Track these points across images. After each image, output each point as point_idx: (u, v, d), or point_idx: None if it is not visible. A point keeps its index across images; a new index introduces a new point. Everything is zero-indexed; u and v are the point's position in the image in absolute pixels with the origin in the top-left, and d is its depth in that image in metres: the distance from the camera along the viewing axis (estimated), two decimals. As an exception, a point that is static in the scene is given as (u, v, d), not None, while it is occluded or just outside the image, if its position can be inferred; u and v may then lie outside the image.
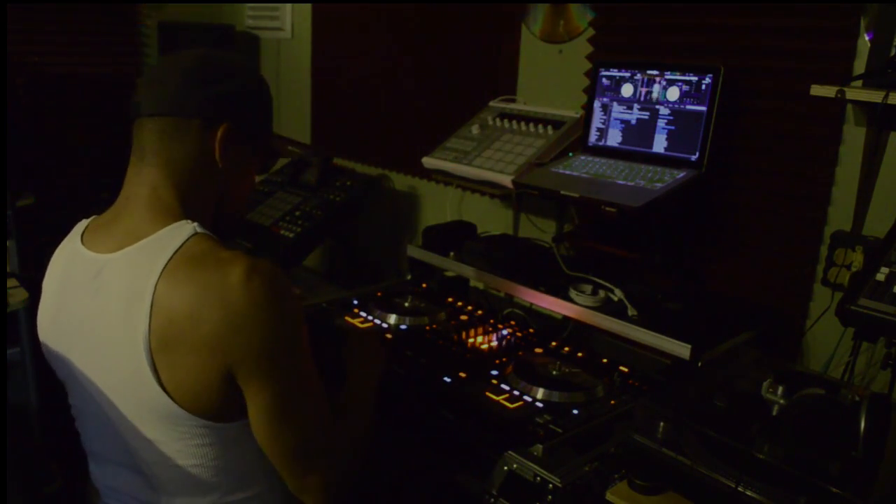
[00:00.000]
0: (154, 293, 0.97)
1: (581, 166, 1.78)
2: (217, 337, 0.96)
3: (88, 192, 3.00)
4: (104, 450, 1.13)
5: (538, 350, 1.63)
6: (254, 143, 1.15)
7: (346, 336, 1.46)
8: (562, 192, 1.68)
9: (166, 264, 0.98)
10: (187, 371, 0.98)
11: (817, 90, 1.43)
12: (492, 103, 2.18)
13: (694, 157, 1.65)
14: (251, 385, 1.00)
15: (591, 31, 1.98)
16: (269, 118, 1.19)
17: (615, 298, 1.61)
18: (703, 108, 1.63)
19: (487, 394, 1.40)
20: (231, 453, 1.07)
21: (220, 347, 0.96)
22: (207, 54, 1.10)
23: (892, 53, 1.39)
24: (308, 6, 2.98)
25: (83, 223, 1.14)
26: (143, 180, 1.06)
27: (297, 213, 2.46)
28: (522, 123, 2.01)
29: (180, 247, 1.00)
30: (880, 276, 1.25)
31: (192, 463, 1.05)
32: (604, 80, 1.83)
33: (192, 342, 0.96)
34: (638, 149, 1.76)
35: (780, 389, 1.15)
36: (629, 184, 1.64)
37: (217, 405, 1.01)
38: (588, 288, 1.63)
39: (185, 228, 1.03)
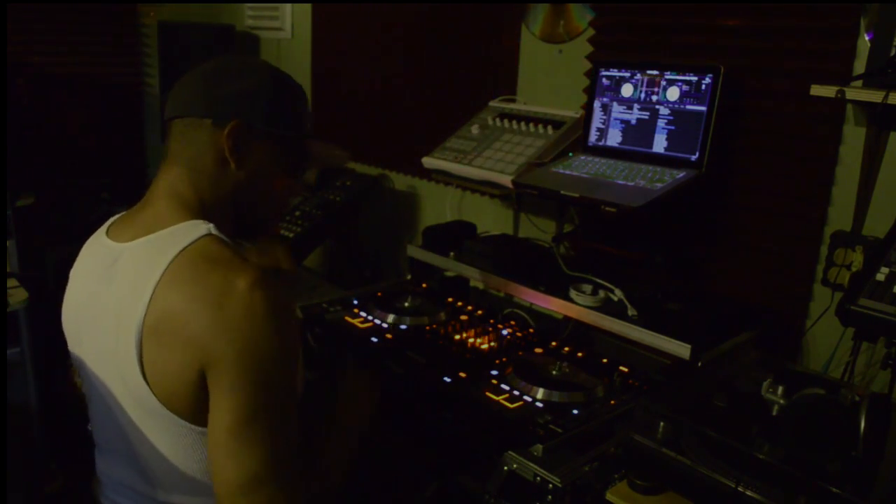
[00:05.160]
0: (156, 285, 0.98)
1: (581, 166, 1.78)
2: (201, 336, 0.95)
3: (88, 192, 3.00)
4: (106, 440, 1.14)
5: (538, 350, 1.62)
6: (277, 144, 1.12)
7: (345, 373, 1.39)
8: (562, 192, 1.68)
9: (173, 259, 0.99)
10: (168, 366, 0.98)
11: (817, 90, 1.44)
12: (492, 103, 2.18)
13: (694, 157, 1.65)
14: (216, 390, 0.97)
15: (591, 31, 1.98)
16: (293, 118, 1.15)
17: (615, 298, 1.61)
18: (703, 108, 1.63)
19: (487, 394, 1.40)
20: None
21: (200, 345, 0.95)
22: (226, 58, 1.14)
23: (892, 53, 1.39)
24: (308, 6, 2.98)
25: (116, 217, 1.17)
26: (165, 178, 1.10)
27: (297, 213, 2.46)
28: (522, 123, 2.01)
29: (190, 244, 1.01)
30: (880, 276, 1.25)
31: (183, 461, 1.04)
32: (604, 80, 1.83)
33: (178, 337, 0.96)
34: (638, 149, 1.76)
35: (780, 389, 1.15)
36: (629, 184, 1.64)
37: (192, 406, 1.00)
38: (588, 288, 1.63)
39: (200, 228, 1.04)
